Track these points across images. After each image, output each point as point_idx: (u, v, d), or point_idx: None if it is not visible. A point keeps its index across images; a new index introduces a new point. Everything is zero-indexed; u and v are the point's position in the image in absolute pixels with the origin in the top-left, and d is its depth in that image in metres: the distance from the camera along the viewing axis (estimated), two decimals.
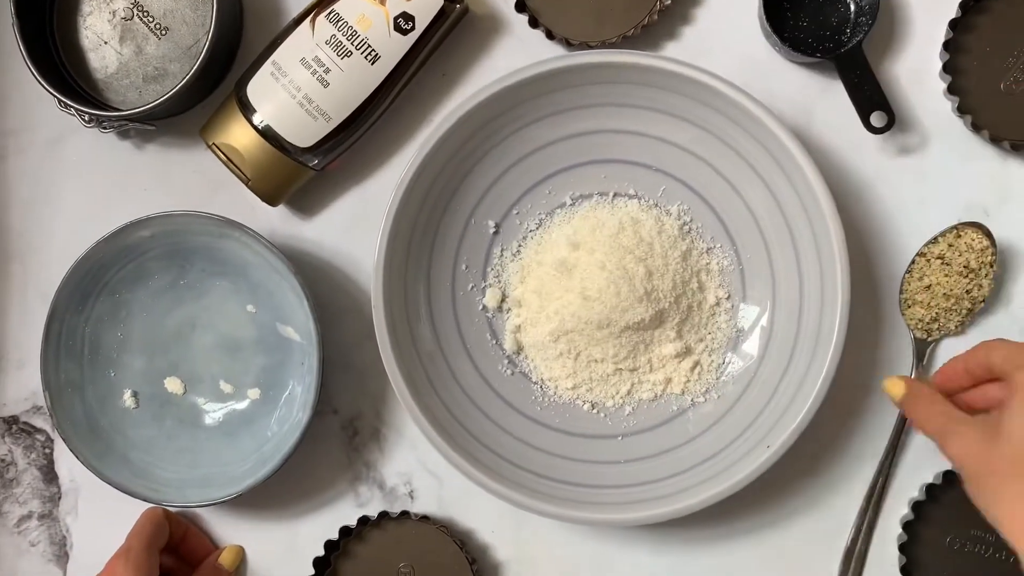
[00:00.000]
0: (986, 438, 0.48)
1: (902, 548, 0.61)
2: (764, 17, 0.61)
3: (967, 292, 0.60)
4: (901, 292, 0.61)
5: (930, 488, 0.61)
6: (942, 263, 0.60)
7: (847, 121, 0.62)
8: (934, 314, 0.60)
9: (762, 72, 0.63)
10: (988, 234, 0.60)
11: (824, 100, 0.62)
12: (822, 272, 0.57)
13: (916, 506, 0.61)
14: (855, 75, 0.60)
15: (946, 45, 0.61)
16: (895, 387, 0.55)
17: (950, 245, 0.60)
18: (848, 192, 0.62)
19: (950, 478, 0.61)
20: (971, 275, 0.60)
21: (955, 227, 0.60)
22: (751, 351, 0.61)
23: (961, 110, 0.61)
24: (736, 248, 0.61)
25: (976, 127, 0.61)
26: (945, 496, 0.61)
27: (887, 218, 0.62)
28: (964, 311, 0.60)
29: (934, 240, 0.61)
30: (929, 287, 0.60)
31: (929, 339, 0.61)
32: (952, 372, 0.54)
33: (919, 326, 0.61)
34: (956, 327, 0.60)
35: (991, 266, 0.60)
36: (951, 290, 0.59)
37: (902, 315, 0.61)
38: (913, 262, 0.61)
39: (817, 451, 0.62)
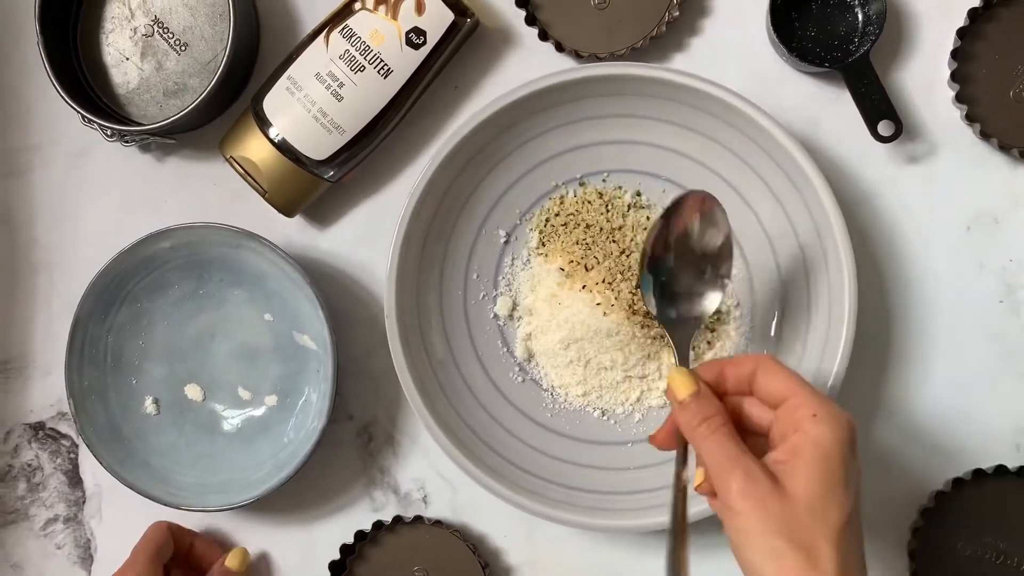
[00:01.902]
0: (769, 491, 0.43)
1: (912, 555, 0.61)
2: (772, 27, 0.61)
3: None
4: None
5: (940, 495, 0.61)
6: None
7: (855, 130, 0.62)
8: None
9: (770, 82, 0.63)
10: None
11: (832, 110, 0.63)
12: (830, 281, 0.58)
13: (926, 512, 0.61)
14: (862, 84, 0.60)
15: (954, 53, 0.61)
16: (680, 384, 0.47)
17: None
18: (856, 201, 0.63)
19: (960, 485, 0.61)
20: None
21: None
22: None
23: (970, 118, 0.61)
24: (744, 257, 0.62)
25: (985, 135, 0.61)
26: (955, 502, 0.61)
27: (896, 227, 0.63)
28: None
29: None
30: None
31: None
32: (708, 376, 0.48)
33: None
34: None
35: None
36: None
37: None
38: None
39: None
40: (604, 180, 0.63)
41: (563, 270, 0.61)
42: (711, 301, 0.54)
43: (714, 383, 0.48)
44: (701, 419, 0.46)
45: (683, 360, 0.52)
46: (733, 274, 0.62)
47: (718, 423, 0.46)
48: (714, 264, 0.53)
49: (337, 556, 0.64)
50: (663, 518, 0.57)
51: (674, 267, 0.54)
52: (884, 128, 0.61)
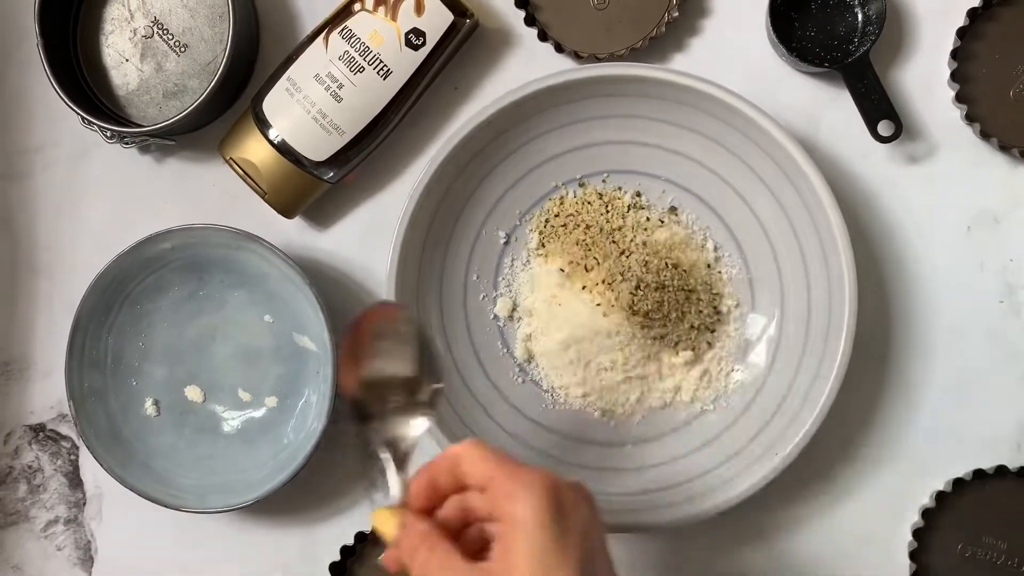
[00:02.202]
0: None
1: (913, 555, 0.61)
2: (771, 28, 0.61)
3: None
4: None
5: (940, 495, 0.61)
6: None
7: (855, 130, 0.62)
8: None
9: (769, 82, 0.63)
10: None
11: (832, 110, 0.63)
12: (829, 281, 0.58)
13: (927, 513, 0.61)
14: (862, 84, 0.60)
15: (954, 53, 0.61)
16: (385, 524, 0.45)
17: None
18: (856, 201, 0.63)
19: (960, 485, 0.61)
20: None
21: None
22: (760, 360, 0.61)
23: (970, 118, 0.61)
24: (744, 257, 0.62)
25: (985, 135, 0.61)
26: (956, 503, 0.61)
27: (896, 227, 0.63)
28: None
29: None
30: None
31: None
32: (421, 491, 0.45)
33: None
34: None
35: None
36: None
37: None
38: None
39: (826, 457, 0.63)
40: (604, 181, 0.63)
41: (563, 271, 0.61)
42: (407, 427, 0.48)
43: (428, 492, 0.45)
44: (411, 552, 0.44)
45: (392, 487, 0.47)
46: (734, 274, 0.62)
47: (428, 547, 0.43)
48: (403, 387, 0.49)
49: (338, 557, 0.64)
50: (662, 519, 0.58)
51: (361, 389, 0.49)
52: (884, 128, 0.61)
